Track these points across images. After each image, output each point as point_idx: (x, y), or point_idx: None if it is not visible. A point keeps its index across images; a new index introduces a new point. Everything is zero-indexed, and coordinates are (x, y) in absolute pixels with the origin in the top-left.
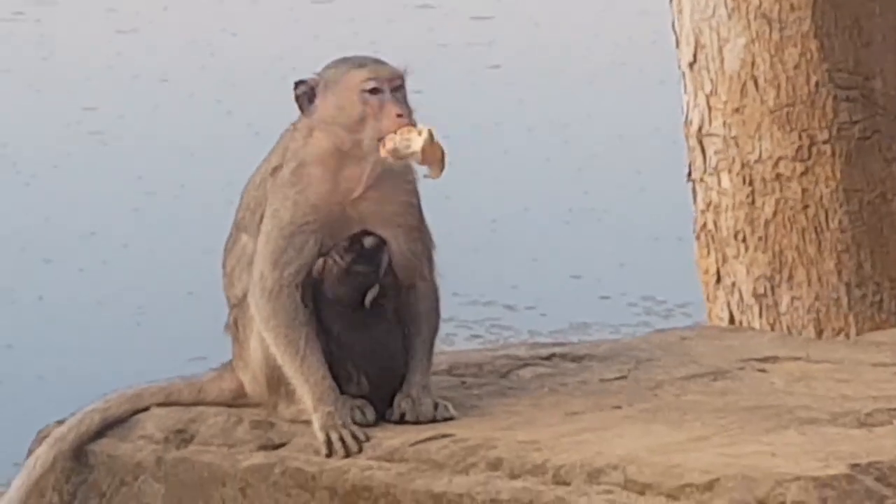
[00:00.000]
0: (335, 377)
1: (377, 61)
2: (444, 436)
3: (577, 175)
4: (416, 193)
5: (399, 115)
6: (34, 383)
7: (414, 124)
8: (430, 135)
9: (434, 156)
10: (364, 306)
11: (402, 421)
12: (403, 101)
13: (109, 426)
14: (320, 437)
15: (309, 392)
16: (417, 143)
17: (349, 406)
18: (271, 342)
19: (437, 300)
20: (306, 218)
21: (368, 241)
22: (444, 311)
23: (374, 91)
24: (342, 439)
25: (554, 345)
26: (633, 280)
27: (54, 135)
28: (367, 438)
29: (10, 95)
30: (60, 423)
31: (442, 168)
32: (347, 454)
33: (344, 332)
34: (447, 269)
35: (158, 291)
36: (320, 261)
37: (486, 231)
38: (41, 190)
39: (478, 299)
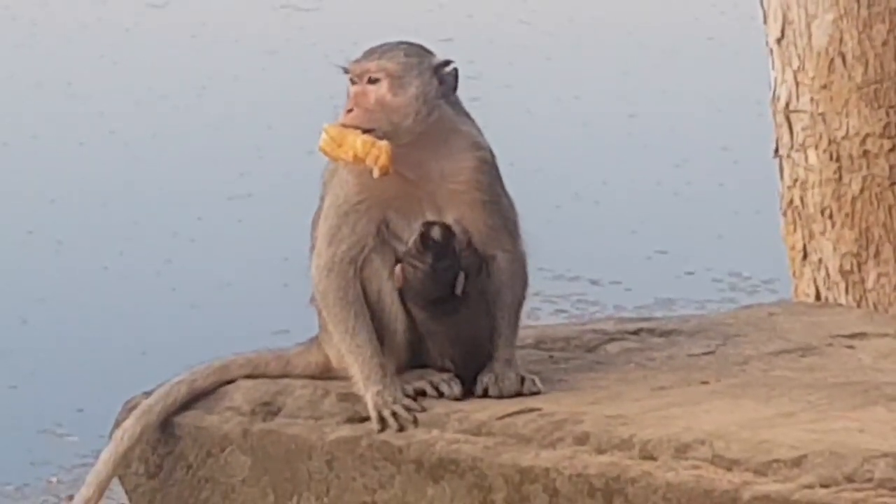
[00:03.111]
0: (421, 358)
1: (372, 52)
2: (531, 410)
3: (660, 150)
4: (486, 166)
5: (348, 111)
6: (120, 354)
7: (362, 126)
8: (364, 144)
9: (372, 160)
10: (455, 295)
11: (485, 395)
12: (367, 97)
13: (196, 398)
14: (372, 415)
15: (358, 370)
16: (347, 146)
17: (398, 382)
18: (326, 318)
19: (521, 270)
20: (360, 196)
21: (436, 234)
22: (531, 285)
23: (352, 81)
24: (394, 414)
25: (641, 320)
26: (718, 256)
27: (140, 101)
28: (423, 409)
29: (102, 70)
30: (147, 394)
31: (383, 171)
32: (401, 428)
33: (427, 321)
34: (532, 243)
35: (243, 264)
36: (398, 268)
37: (570, 205)
38: (135, 157)
39: (563, 274)
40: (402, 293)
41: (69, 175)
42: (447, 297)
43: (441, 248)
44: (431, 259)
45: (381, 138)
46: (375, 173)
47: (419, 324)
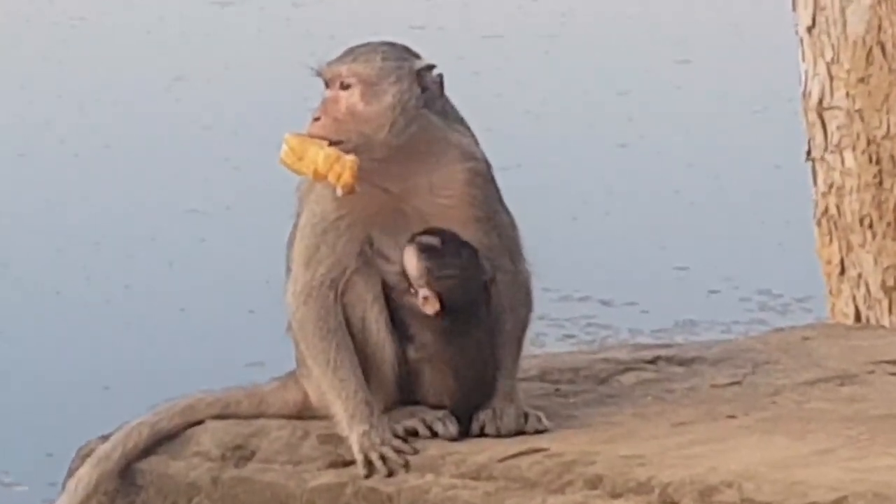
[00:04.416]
0: (412, 394)
1: (347, 54)
2: (537, 450)
3: (676, 154)
4: (479, 178)
5: (315, 119)
6: (75, 391)
7: (329, 137)
8: (327, 158)
9: (334, 177)
10: (489, 298)
11: (483, 434)
12: (338, 105)
13: (159, 442)
14: (358, 458)
15: (342, 407)
16: (308, 160)
17: (386, 421)
18: (304, 351)
19: (524, 292)
20: (339, 212)
21: (431, 241)
22: (536, 308)
23: (325, 86)
24: (383, 457)
25: (658, 346)
26: (745, 272)
27: (91, 106)
28: (415, 451)
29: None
30: (104, 438)
31: (346, 190)
32: (391, 473)
33: (434, 342)
34: (535, 260)
35: (211, 289)
36: (421, 298)
37: (576, 217)
38: (87, 169)
39: (571, 294)
40: (433, 316)
41: (13, 189)
42: (483, 291)
43: (451, 245)
44: (453, 260)
45: (350, 152)
46: (338, 192)
47: (417, 351)
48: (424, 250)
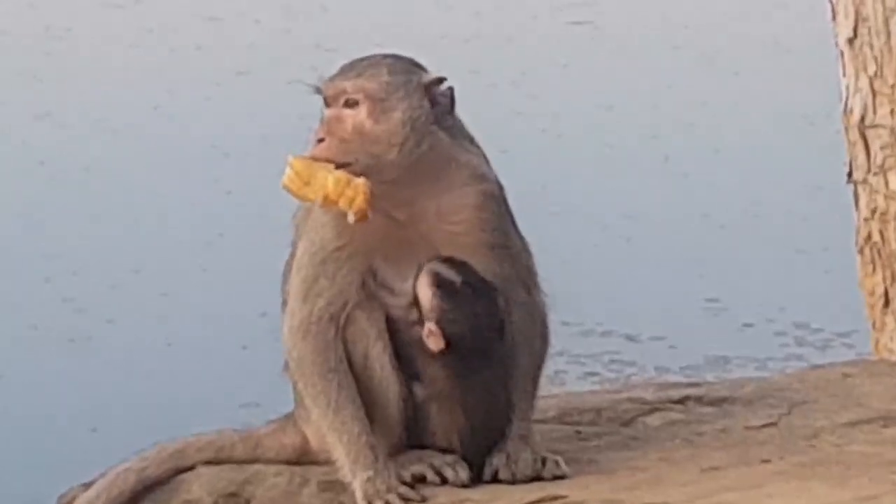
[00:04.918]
0: (419, 437)
1: (350, 69)
2: (555, 498)
3: (704, 175)
4: (491, 202)
5: (319, 140)
6: (55, 434)
7: (336, 160)
8: (337, 182)
9: (346, 202)
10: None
11: (496, 480)
12: (343, 124)
13: (147, 489)
14: None
15: (344, 452)
16: (316, 185)
17: (392, 467)
18: (303, 390)
19: (540, 326)
20: (339, 241)
21: (450, 274)
22: (553, 343)
23: (326, 103)
24: None
25: (687, 385)
26: (782, 304)
27: (70, 126)
28: (423, 499)
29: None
30: (87, 486)
31: (359, 216)
32: None
33: (442, 380)
34: (552, 291)
35: (202, 324)
36: (426, 332)
37: (597, 244)
38: (66, 193)
39: (593, 329)
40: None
41: None
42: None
43: (469, 287)
44: (470, 304)
45: (358, 174)
46: (350, 218)
47: (425, 390)
48: (441, 286)
